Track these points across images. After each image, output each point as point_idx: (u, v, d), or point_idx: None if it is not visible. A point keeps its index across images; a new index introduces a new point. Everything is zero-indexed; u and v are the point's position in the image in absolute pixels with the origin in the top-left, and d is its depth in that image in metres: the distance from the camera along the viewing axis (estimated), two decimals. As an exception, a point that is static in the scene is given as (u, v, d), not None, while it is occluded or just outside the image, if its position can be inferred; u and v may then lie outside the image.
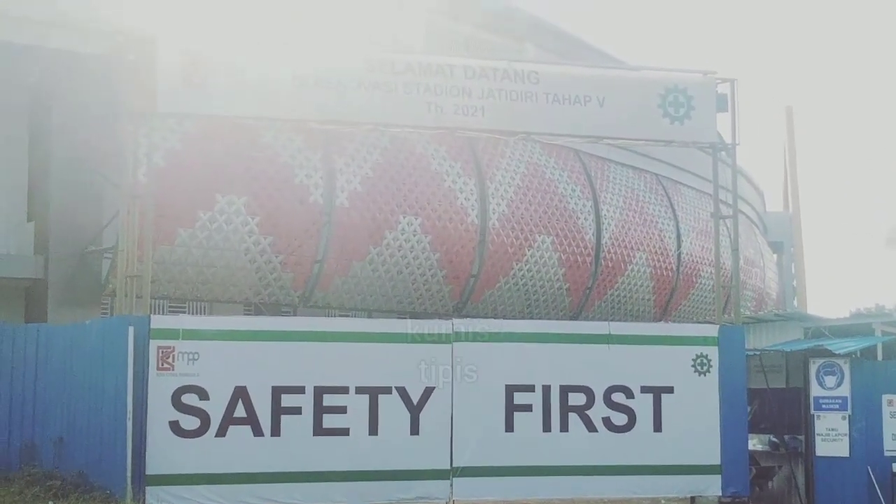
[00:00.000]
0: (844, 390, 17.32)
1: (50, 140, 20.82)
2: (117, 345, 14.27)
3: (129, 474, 13.93)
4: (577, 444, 15.89)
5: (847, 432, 17.26)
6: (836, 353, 17.26)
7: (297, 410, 14.90)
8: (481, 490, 15.65)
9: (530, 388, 15.83)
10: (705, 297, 31.36)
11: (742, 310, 20.90)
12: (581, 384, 16.03)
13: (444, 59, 16.40)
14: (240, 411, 14.68)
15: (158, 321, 14.85)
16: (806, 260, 49.94)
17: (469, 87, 16.24)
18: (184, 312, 22.61)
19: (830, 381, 17.29)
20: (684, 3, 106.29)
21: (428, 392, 15.38)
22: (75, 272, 20.66)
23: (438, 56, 16.60)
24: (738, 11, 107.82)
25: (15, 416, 15.11)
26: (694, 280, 31.36)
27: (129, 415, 14.02)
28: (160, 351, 14.45)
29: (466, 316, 24.04)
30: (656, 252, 29.64)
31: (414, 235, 23.78)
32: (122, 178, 16.33)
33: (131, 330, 14.23)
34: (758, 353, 18.51)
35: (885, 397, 17.50)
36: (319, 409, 14.98)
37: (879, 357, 18.77)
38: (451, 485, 15.31)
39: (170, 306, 22.60)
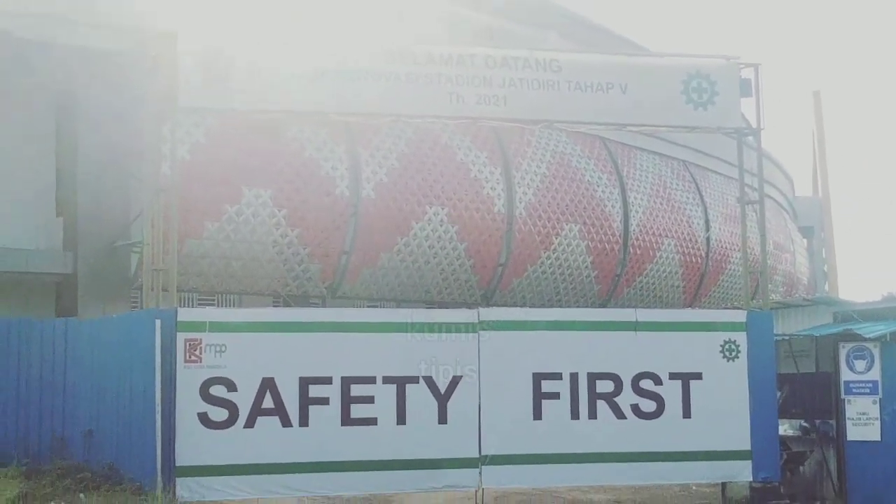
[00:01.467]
0: (875, 374, 17.19)
1: (76, 136, 20.98)
2: (145, 338, 14.32)
3: (158, 466, 13.97)
4: (605, 432, 15.81)
5: (878, 416, 17.12)
6: (866, 336, 17.13)
7: (324, 401, 14.89)
8: (510, 478, 15.64)
9: (558, 376, 15.76)
10: (735, 282, 31.25)
11: (772, 295, 20.82)
12: (609, 371, 15.94)
13: (465, 49, 16.37)
14: (268, 402, 14.69)
15: (185, 314, 14.89)
16: (836, 244, 49.64)
17: (490, 76, 16.20)
18: (213, 305, 22.76)
19: (860, 365, 17.17)
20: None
21: (455, 381, 15.34)
22: (104, 267, 20.81)
23: (459, 46, 16.57)
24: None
25: (45, 410, 15.22)
26: (723, 266, 31.27)
27: (158, 407, 14.06)
28: (187, 343, 14.48)
29: (494, 305, 24.09)
30: (685, 238, 29.58)
31: (441, 225, 23.83)
32: (148, 173, 16.42)
33: (158, 323, 14.27)
34: (787, 338, 18.42)
35: (916, 380, 17.36)
36: (347, 399, 14.96)
37: (910, 340, 18.62)
38: (480, 473, 15.27)
39: (199, 299, 22.76)
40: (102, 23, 19.29)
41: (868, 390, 17.20)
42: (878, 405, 17.13)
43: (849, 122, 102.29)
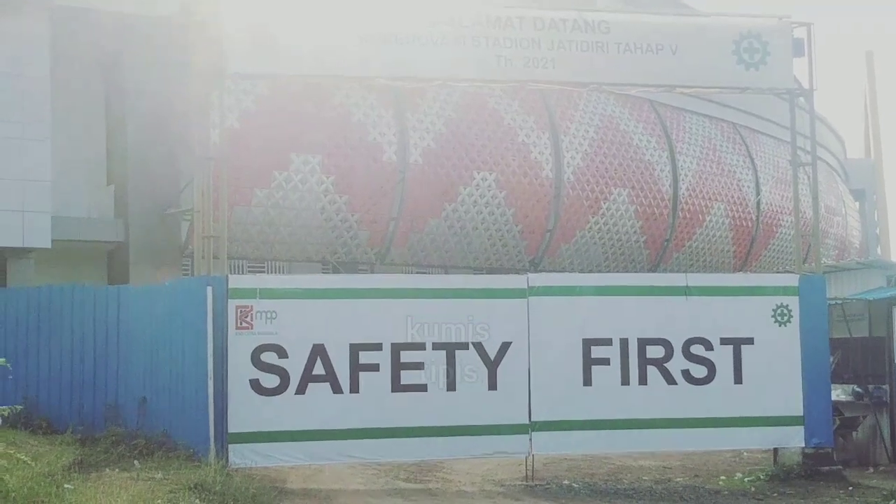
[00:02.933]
0: (929, 338, 16.96)
1: (125, 104, 21.12)
2: (196, 305, 14.40)
3: (211, 433, 14.07)
4: (656, 397, 15.67)
5: (932, 381, 16.92)
6: (921, 300, 16.93)
7: (374, 367, 14.88)
8: (560, 444, 15.58)
9: (608, 342, 15.64)
10: (786, 246, 30.99)
11: (823, 258, 20.55)
12: (659, 337, 15.79)
13: (513, 11, 16.19)
14: (318, 369, 14.71)
15: (236, 281, 14.94)
16: (889, 207, 49.08)
17: (538, 38, 16.01)
18: (262, 272, 22.87)
19: (914, 328, 16.95)
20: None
21: (504, 347, 15.27)
22: (155, 234, 21.00)
23: (507, 8, 16.40)
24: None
25: (99, 377, 15.38)
26: (774, 230, 31.00)
27: (210, 374, 14.15)
28: (239, 310, 14.52)
29: (542, 270, 24.04)
30: (735, 202, 29.34)
31: (489, 191, 23.80)
32: (197, 140, 16.46)
33: (209, 290, 14.34)
34: (840, 302, 18.22)
35: (972, 344, 17.11)
36: (397, 366, 14.94)
37: (965, 303, 18.35)
38: (530, 439, 15.22)
39: (249, 266, 22.89)
40: (150, -11, 19.40)
41: (922, 354, 17.00)
42: (932, 370, 16.93)
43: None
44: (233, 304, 14.52)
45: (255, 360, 14.52)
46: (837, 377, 17.63)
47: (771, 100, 19.94)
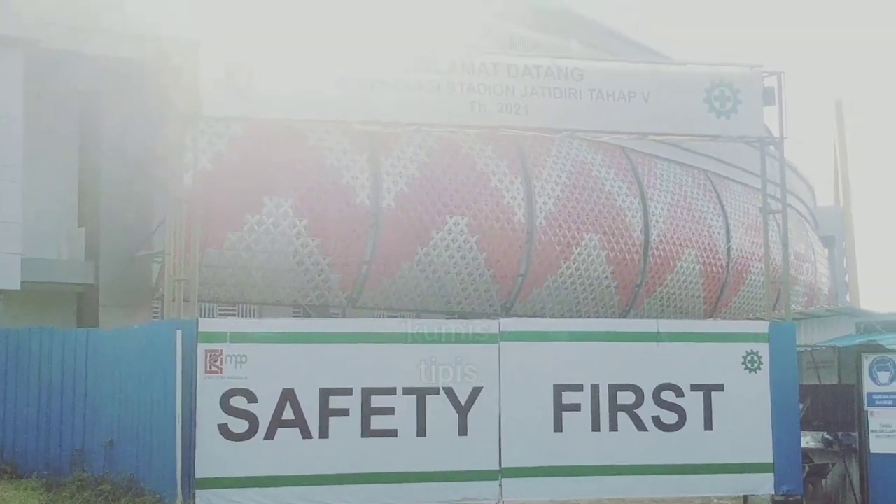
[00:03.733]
0: (898, 386, 17.02)
1: (99, 146, 21.03)
2: (165, 348, 14.31)
3: (178, 478, 13.95)
4: (626, 444, 15.72)
5: (901, 428, 16.96)
6: (890, 347, 16.99)
7: (344, 412, 14.84)
8: (531, 490, 15.52)
9: (579, 388, 15.67)
10: (756, 293, 31.11)
11: (793, 305, 20.64)
12: (630, 383, 15.85)
13: (487, 58, 16.34)
14: (288, 413, 14.66)
15: (206, 324, 14.86)
16: (858, 254, 49.45)
17: (512, 85, 16.16)
18: (233, 315, 22.75)
19: (884, 376, 17.01)
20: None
21: (475, 392, 15.27)
22: (126, 276, 20.83)
23: (482, 54, 16.54)
24: (784, 3, 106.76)
25: (65, 421, 15.21)
26: (744, 276, 31.13)
27: (178, 418, 14.06)
28: (208, 354, 14.46)
29: (514, 315, 24.02)
30: (705, 248, 29.46)
31: (461, 235, 23.78)
32: (170, 183, 16.43)
33: (179, 334, 14.27)
34: (809, 349, 18.29)
35: (941, 392, 17.17)
36: (367, 411, 14.91)
37: (934, 352, 18.42)
38: (500, 485, 15.20)
39: (220, 309, 22.76)
40: (126, 32, 19.33)
41: (891, 402, 17.04)
42: (901, 417, 16.97)
43: (871, 132, 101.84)
44: (202, 347, 14.46)
45: (224, 404, 14.45)
46: (807, 424, 17.68)
47: (742, 147, 20.12)
